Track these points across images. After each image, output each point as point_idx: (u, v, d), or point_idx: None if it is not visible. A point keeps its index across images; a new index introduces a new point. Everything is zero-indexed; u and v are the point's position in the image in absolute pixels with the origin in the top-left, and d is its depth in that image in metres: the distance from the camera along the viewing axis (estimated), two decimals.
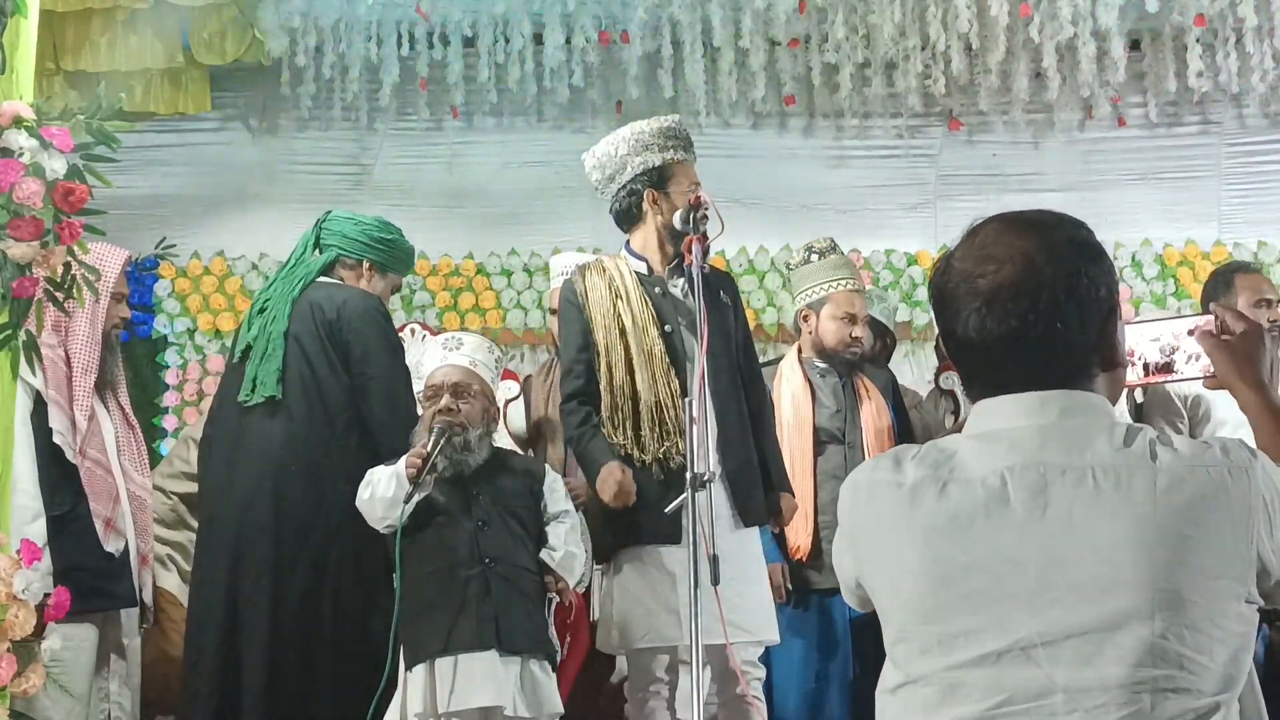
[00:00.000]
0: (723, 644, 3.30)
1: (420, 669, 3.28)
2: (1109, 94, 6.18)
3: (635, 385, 3.54)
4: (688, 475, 3.14)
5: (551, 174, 6.27)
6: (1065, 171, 6.43)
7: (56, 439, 3.38)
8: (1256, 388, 1.76)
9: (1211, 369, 1.83)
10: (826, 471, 4.13)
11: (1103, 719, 1.45)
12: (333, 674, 3.53)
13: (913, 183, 6.48)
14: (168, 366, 6.20)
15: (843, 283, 4.29)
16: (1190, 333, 1.85)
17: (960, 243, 1.64)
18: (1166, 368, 1.91)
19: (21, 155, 2.78)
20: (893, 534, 1.58)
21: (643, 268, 3.69)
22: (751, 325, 6.09)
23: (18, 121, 2.80)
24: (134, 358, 5.88)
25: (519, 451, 4.05)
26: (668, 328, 3.61)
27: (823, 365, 4.31)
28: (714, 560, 3.08)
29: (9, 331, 2.83)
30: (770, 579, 3.75)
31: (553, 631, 3.49)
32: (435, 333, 4.70)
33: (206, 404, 4.47)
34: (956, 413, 4.88)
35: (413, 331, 4.73)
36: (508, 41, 5.95)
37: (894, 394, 4.46)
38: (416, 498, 3.34)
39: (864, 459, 3.96)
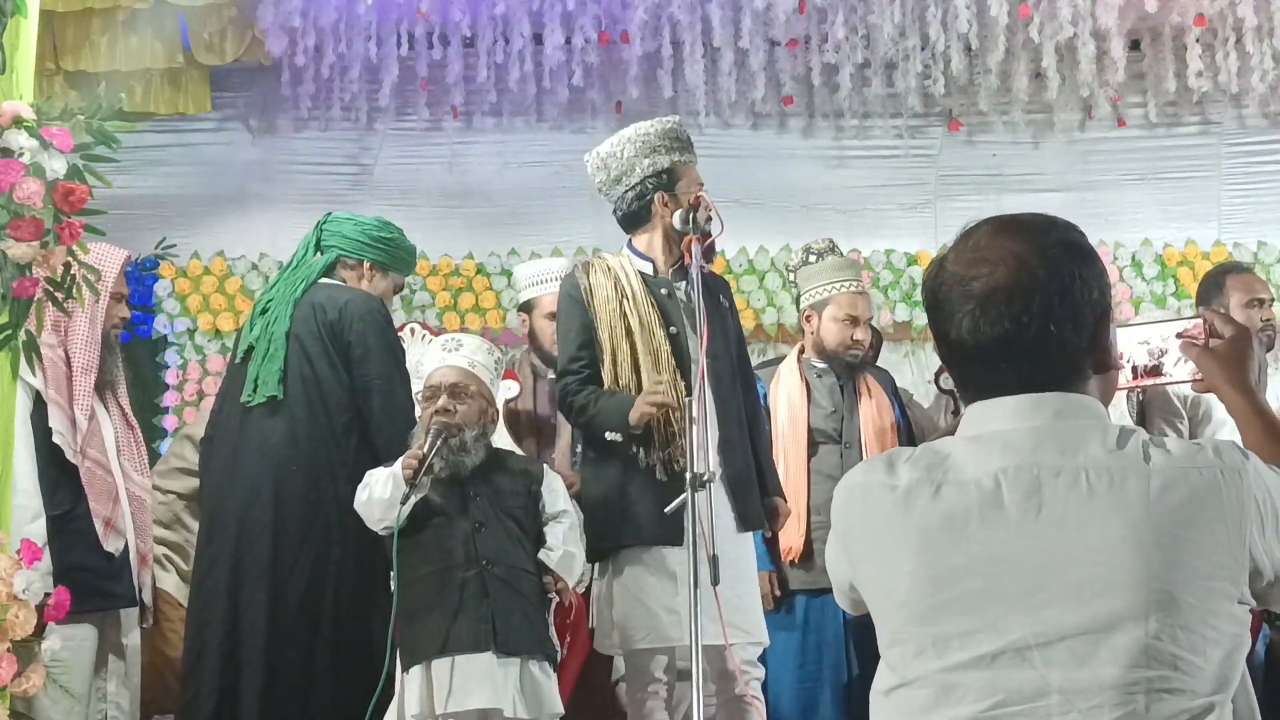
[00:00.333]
0: (722, 644, 3.30)
1: (417, 671, 3.27)
2: (1109, 94, 6.19)
3: (641, 386, 3.52)
4: (687, 475, 3.14)
5: (551, 174, 6.28)
6: (1065, 172, 6.43)
7: (56, 439, 3.38)
8: (1242, 392, 1.77)
9: (1199, 373, 1.83)
10: (821, 471, 4.14)
11: None
12: (332, 673, 3.54)
13: (913, 183, 6.49)
14: (168, 366, 6.20)
15: (847, 285, 4.29)
16: (1178, 337, 1.86)
17: (953, 245, 1.64)
18: (1155, 370, 1.91)
19: (21, 155, 2.78)
20: (887, 536, 1.59)
21: (648, 269, 3.68)
22: (751, 325, 6.16)
23: (18, 121, 2.80)
24: (134, 358, 5.88)
25: (518, 451, 4.04)
26: (673, 330, 3.60)
27: (821, 366, 4.31)
28: (714, 560, 3.08)
29: (9, 331, 2.83)
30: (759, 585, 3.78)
31: (553, 632, 3.49)
32: (435, 332, 4.70)
33: (206, 404, 4.47)
34: (957, 413, 4.88)
35: (412, 331, 4.73)
36: (507, 42, 5.95)
37: (897, 393, 4.46)
38: (413, 499, 3.33)
39: (862, 459, 3.98)
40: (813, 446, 4.19)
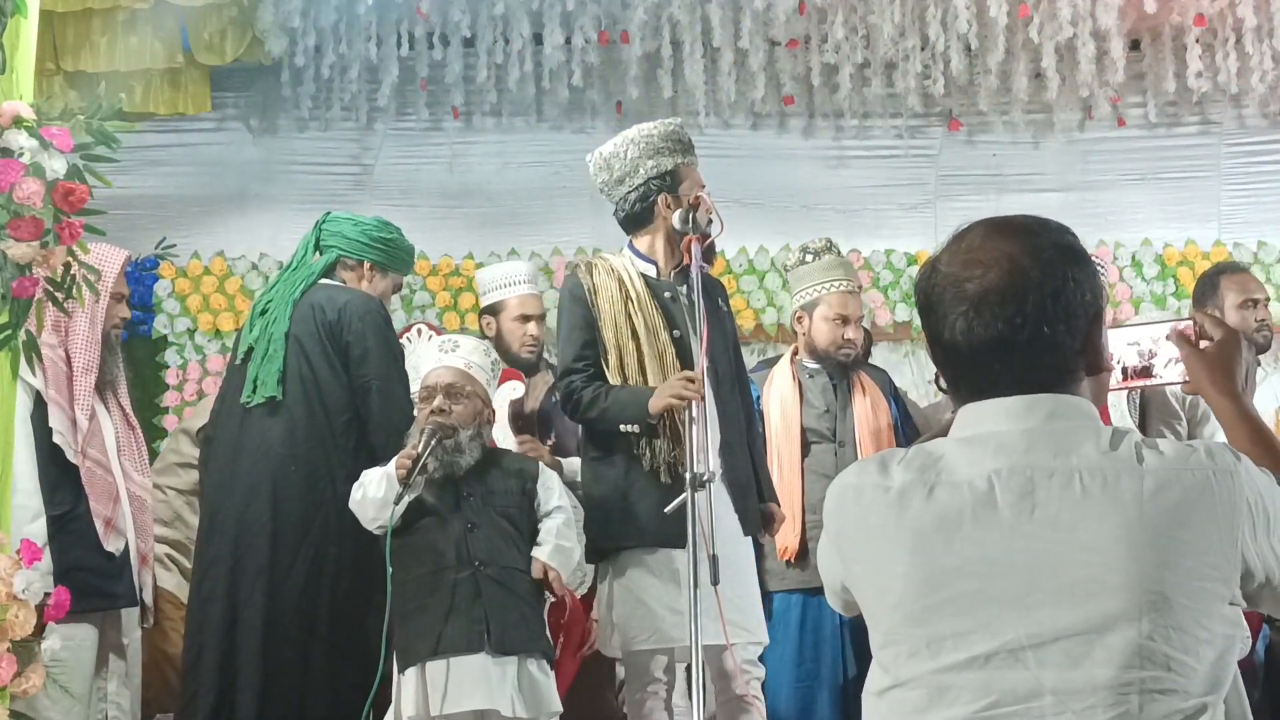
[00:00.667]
0: (722, 644, 3.31)
1: (412, 672, 3.28)
2: (1109, 94, 6.18)
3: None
4: (687, 475, 3.15)
5: (551, 174, 6.28)
6: (1065, 171, 6.43)
7: (56, 439, 3.39)
8: (1229, 395, 1.77)
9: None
10: (815, 471, 4.15)
11: None
12: (329, 673, 3.55)
13: (913, 183, 6.48)
14: (168, 366, 6.20)
15: (837, 284, 4.29)
16: (1167, 337, 1.86)
17: (946, 247, 1.64)
18: (1145, 372, 1.91)
19: (21, 155, 2.78)
20: (880, 537, 1.59)
21: (651, 271, 3.68)
22: (751, 325, 6.16)
23: (18, 121, 2.80)
24: (134, 358, 5.87)
25: (513, 450, 4.04)
26: (676, 333, 3.60)
27: (813, 366, 4.32)
28: (714, 560, 3.08)
29: (9, 331, 2.83)
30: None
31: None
32: (441, 334, 4.71)
33: (206, 404, 4.47)
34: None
35: (420, 332, 4.74)
36: (507, 42, 5.94)
37: (894, 392, 4.47)
38: (406, 498, 3.34)
39: (857, 458, 3.99)
40: (806, 446, 4.20)
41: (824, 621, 4.10)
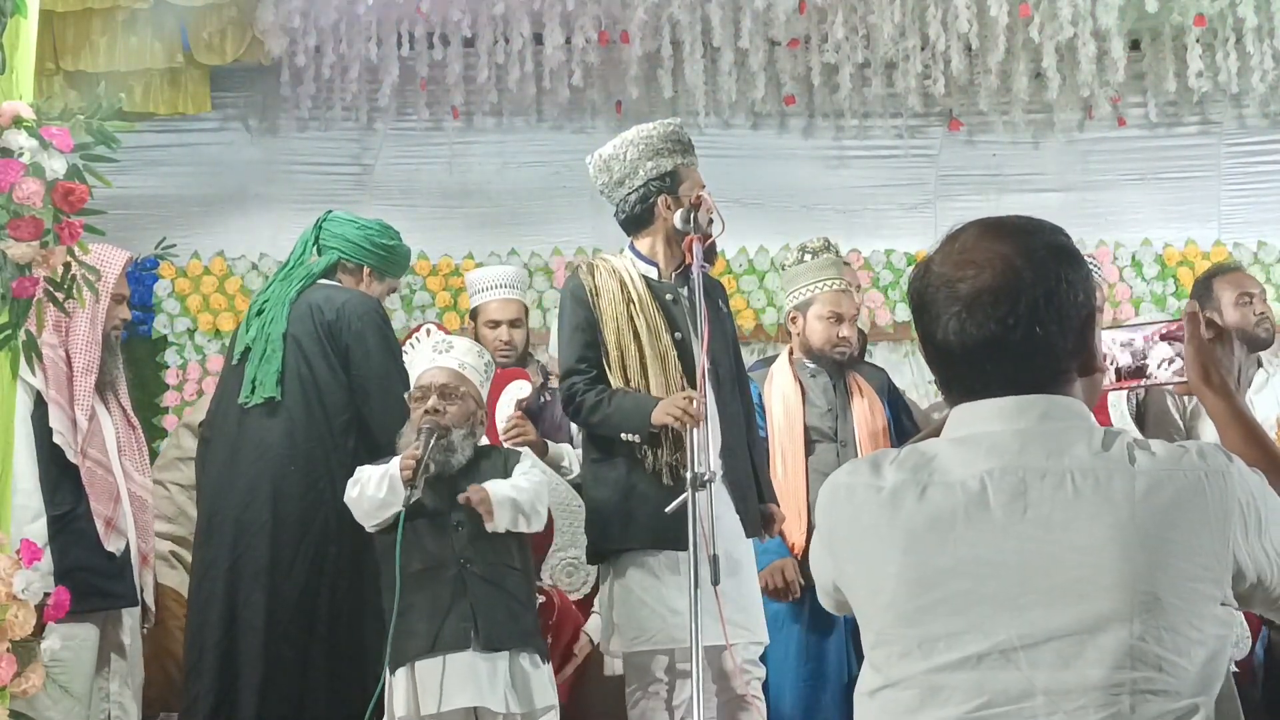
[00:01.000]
0: (722, 644, 3.31)
1: (402, 672, 3.29)
2: (1109, 94, 6.18)
3: (650, 391, 3.51)
4: (688, 475, 3.15)
5: (551, 174, 6.29)
6: (1065, 171, 6.43)
7: (57, 439, 3.39)
8: (1222, 395, 1.77)
9: (1183, 374, 1.83)
10: (819, 470, 4.13)
11: None
12: (329, 672, 3.56)
13: (913, 183, 6.49)
14: (168, 366, 6.20)
15: (829, 283, 4.28)
16: (1161, 337, 1.86)
17: (939, 247, 1.65)
18: (1138, 372, 1.92)
19: (21, 155, 2.79)
20: (873, 538, 1.59)
21: (652, 273, 3.68)
22: (752, 325, 6.17)
23: (18, 121, 2.81)
24: (134, 358, 5.88)
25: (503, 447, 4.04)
26: (678, 335, 3.59)
27: (812, 365, 4.32)
28: (714, 560, 3.08)
29: (9, 331, 2.84)
30: (783, 574, 3.92)
31: None
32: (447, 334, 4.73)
33: (207, 401, 4.48)
34: None
35: (429, 332, 4.76)
36: (507, 42, 5.95)
37: (891, 393, 4.46)
38: (413, 500, 3.35)
39: (857, 457, 3.99)
40: (809, 445, 4.20)
41: (829, 620, 4.09)
